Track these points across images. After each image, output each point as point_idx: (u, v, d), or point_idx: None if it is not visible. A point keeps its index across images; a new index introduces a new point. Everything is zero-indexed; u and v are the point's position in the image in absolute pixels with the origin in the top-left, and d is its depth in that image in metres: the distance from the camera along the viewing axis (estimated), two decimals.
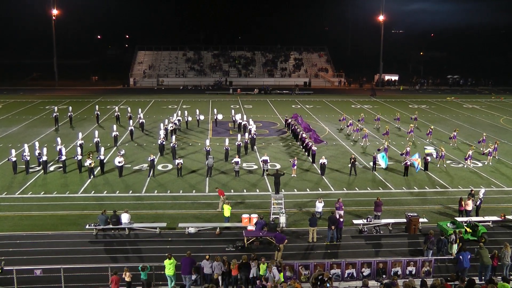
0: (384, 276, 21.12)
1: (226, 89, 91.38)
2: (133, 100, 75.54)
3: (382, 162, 37.50)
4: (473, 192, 30.47)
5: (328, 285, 19.04)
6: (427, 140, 48.34)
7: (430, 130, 48.77)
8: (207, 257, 21.15)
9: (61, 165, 37.69)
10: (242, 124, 50.58)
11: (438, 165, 39.68)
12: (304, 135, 44.78)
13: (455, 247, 23.95)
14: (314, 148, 40.76)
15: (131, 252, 24.97)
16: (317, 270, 20.84)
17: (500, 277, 20.04)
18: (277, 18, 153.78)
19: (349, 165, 37.85)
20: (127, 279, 20.28)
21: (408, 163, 37.61)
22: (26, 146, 38.27)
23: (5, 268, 20.53)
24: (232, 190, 33.85)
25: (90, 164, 35.93)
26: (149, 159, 36.55)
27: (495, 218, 28.63)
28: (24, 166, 37.02)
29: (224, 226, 27.56)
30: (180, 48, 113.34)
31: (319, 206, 28.86)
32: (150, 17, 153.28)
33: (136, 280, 20.57)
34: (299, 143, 46.28)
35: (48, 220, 28.53)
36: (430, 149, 41.20)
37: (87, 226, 26.87)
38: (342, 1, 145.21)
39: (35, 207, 30.51)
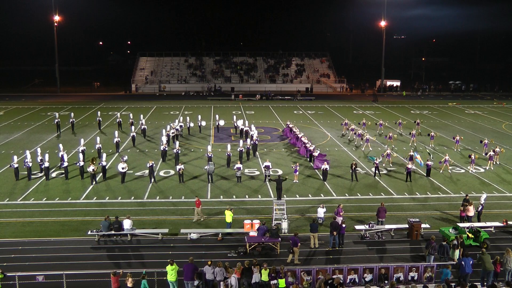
0: (386, 281, 21.08)
1: (228, 95, 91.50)
2: (135, 106, 75.72)
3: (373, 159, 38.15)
4: (467, 197, 30.38)
5: None
6: (429, 145, 48.31)
7: (432, 135, 48.72)
8: (209, 262, 21.17)
9: (63, 171, 37.75)
10: (244, 130, 50.61)
11: (441, 171, 39.64)
12: (304, 141, 44.83)
13: (457, 252, 23.94)
14: (315, 153, 40.74)
15: (133, 258, 24.97)
16: (319, 275, 20.85)
17: (501, 283, 20.00)
18: (279, 24, 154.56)
19: (350, 171, 37.87)
20: (129, 284, 20.29)
21: (411, 168, 37.58)
22: (28, 152, 38.33)
23: (7, 274, 20.57)
24: (234, 196, 33.86)
25: (93, 170, 36.00)
26: (147, 165, 36.60)
27: (497, 223, 28.55)
28: (26, 173, 37.09)
29: (226, 232, 27.55)
30: (181, 54, 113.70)
31: (321, 212, 28.83)
32: (151, 23, 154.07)
33: (138, 286, 20.55)
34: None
35: (50, 226, 28.55)
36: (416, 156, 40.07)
37: (89, 232, 26.88)
38: (344, 7, 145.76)
39: (37, 213, 30.53)
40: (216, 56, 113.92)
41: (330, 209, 30.30)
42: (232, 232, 27.55)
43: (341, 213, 27.66)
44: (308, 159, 42.76)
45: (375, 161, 38.11)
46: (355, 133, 51.30)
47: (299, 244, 24.38)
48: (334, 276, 20.75)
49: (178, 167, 36.89)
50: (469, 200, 29.94)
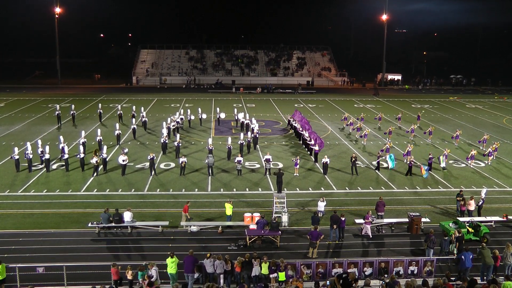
0: (386, 275, 21.11)
1: (229, 87, 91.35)
2: (136, 98, 75.61)
3: (389, 162, 37.46)
4: (461, 192, 30.33)
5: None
6: (428, 139, 48.24)
7: (430, 130, 48.60)
8: (208, 255, 21.18)
9: (64, 163, 37.77)
10: (245, 123, 50.55)
11: (444, 165, 39.60)
12: (305, 135, 44.77)
13: (452, 246, 24.10)
14: (316, 148, 40.68)
15: (133, 251, 25.02)
16: (319, 269, 20.85)
17: (502, 277, 20.02)
18: (280, 17, 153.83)
19: (350, 165, 37.86)
20: (129, 277, 20.33)
21: (413, 162, 37.55)
22: (28, 144, 38.34)
23: (8, 265, 20.62)
24: (234, 189, 33.87)
25: (96, 162, 36.01)
26: (148, 158, 36.62)
27: (497, 218, 28.58)
28: (26, 164, 37.10)
29: (226, 224, 27.58)
30: (182, 46, 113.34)
31: (321, 206, 28.83)
32: (152, 15, 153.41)
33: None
34: (301, 142, 46.32)
35: (50, 218, 28.60)
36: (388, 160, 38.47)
37: (89, 224, 26.91)
38: (345, 1, 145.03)
39: (38, 205, 30.58)
40: (217, 49, 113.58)
41: (331, 203, 30.36)
42: (232, 225, 27.58)
43: (366, 220, 26.81)
44: (308, 152, 42.75)
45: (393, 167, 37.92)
46: (352, 129, 51.50)
47: (322, 236, 24.59)
48: (349, 271, 20.74)
49: (180, 159, 36.87)
50: (463, 195, 29.95)
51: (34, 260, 22.82)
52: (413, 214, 27.64)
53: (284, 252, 24.57)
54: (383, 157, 39.11)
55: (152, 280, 19.66)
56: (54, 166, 38.33)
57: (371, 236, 26.55)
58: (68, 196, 32.23)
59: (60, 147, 39.57)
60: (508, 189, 34.82)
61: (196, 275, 21.14)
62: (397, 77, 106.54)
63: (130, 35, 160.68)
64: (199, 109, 56.44)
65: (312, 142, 42.02)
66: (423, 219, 27.69)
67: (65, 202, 31.06)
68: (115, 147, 44.11)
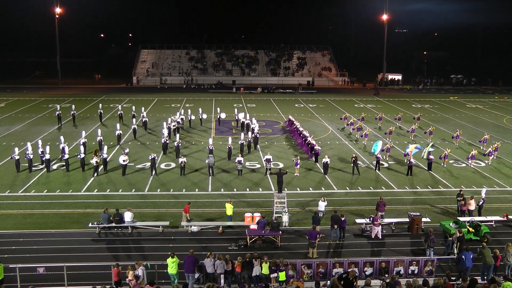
0: (386, 275, 21.10)
1: (229, 88, 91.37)
2: (136, 98, 75.62)
3: (376, 148, 38.34)
4: (461, 192, 30.30)
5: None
6: (429, 139, 48.21)
7: (431, 129, 48.55)
8: (208, 254, 21.18)
9: (64, 163, 37.78)
10: (245, 123, 50.54)
11: (445, 165, 39.57)
12: (306, 135, 44.73)
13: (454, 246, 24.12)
14: (317, 148, 40.69)
15: (134, 251, 25.01)
16: (320, 269, 20.83)
17: (502, 277, 20.02)
18: (280, 17, 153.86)
19: (351, 164, 37.85)
20: (130, 277, 20.30)
21: (413, 162, 37.62)
22: (29, 144, 38.34)
23: (8, 266, 20.62)
24: (235, 189, 33.87)
25: (96, 162, 36.01)
26: (149, 158, 36.62)
27: (497, 218, 28.55)
28: (27, 164, 37.10)
29: (227, 225, 27.58)
30: (183, 46, 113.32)
31: (322, 205, 28.83)
32: (152, 15, 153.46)
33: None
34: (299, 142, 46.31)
35: (51, 218, 28.60)
36: (412, 147, 39.96)
37: (90, 225, 26.90)
38: (346, 1, 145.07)
39: (38, 205, 30.58)
40: (218, 49, 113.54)
41: (331, 203, 30.36)
42: (233, 225, 27.58)
43: (375, 222, 26.57)
44: (309, 153, 42.68)
45: (376, 153, 38.36)
46: (353, 129, 51.53)
47: (321, 235, 24.65)
48: (349, 270, 20.70)
49: (180, 159, 36.89)
50: (463, 194, 29.92)
51: (34, 260, 22.80)
52: (414, 214, 27.64)
53: (285, 252, 24.56)
54: (383, 157, 39.22)
55: (139, 281, 19.66)
56: (55, 167, 38.34)
57: (372, 237, 26.53)
58: (69, 196, 32.23)
59: (61, 147, 39.56)
60: (508, 189, 34.80)
61: (196, 275, 21.13)
62: (398, 77, 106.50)
63: (130, 35, 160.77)
64: (200, 109, 56.44)
65: (313, 142, 42.08)
66: (423, 219, 27.69)
67: (66, 202, 31.05)
68: (116, 147, 44.13)
